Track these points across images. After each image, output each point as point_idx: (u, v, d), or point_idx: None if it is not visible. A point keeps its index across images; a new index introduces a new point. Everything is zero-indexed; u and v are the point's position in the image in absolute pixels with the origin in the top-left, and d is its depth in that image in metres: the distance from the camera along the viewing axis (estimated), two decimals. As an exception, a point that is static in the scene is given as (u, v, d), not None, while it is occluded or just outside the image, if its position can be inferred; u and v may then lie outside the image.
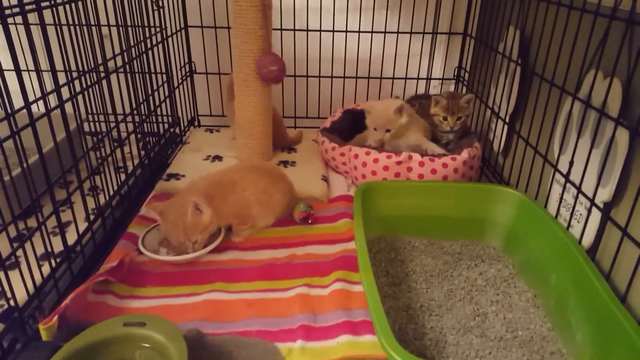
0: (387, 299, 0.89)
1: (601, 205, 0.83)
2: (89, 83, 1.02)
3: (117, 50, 1.17)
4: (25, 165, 0.79)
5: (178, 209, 0.98)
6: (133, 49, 1.27)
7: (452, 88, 1.67)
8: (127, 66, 1.23)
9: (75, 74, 0.97)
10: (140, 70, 1.30)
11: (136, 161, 1.33)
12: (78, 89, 0.97)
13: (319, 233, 1.12)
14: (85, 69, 1.01)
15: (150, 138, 1.45)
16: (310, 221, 1.15)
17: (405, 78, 1.64)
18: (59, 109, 0.89)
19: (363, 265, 0.79)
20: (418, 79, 1.64)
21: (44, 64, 0.88)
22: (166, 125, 1.57)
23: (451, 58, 1.63)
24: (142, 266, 1.00)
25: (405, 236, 1.07)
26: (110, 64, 1.12)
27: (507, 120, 1.22)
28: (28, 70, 0.93)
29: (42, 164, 0.84)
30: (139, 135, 1.41)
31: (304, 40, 1.56)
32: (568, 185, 0.91)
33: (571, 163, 0.92)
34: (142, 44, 1.33)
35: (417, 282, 0.94)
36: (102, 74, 1.09)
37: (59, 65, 0.87)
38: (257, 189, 1.08)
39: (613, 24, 0.79)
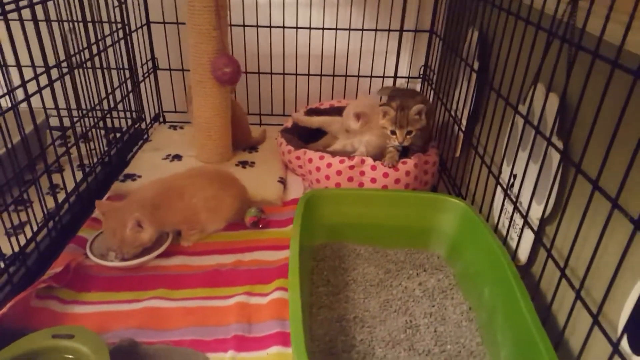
0: (323, 309, 0.90)
1: (537, 221, 0.84)
2: (53, 78, 1.04)
3: (84, 46, 1.18)
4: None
5: (119, 218, 0.98)
6: (95, 45, 1.27)
7: (418, 87, 1.66)
8: (90, 62, 1.23)
9: (41, 70, 0.99)
10: (103, 66, 1.30)
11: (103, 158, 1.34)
12: (43, 84, 1.00)
13: (268, 238, 1.13)
14: (50, 64, 1.03)
15: (114, 134, 1.45)
16: (261, 225, 1.16)
17: (371, 76, 1.63)
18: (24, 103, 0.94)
19: (291, 276, 0.80)
20: (384, 77, 1.63)
21: (10, 58, 0.91)
22: (129, 122, 1.57)
23: (417, 56, 1.62)
24: (89, 270, 1.01)
25: (351, 243, 1.08)
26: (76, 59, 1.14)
27: (463, 125, 1.22)
28: None
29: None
30: (102, 132, 1.42)
31: (267, 36, 1.54)
32: (511, 197, 0.92)
33: (512, 175, 0.93)
34: (105, 40, 1.32)
35: (355, 291, 0.95)
36: (65, 70, 1.10)
37: (24, 61, 0.91)
38: (205, 195, 1.09)
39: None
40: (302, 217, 0.97)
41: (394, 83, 1.65)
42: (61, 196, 1.14)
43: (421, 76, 1.63)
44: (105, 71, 1.36)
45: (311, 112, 1.53)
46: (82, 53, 1.22)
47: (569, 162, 0.73)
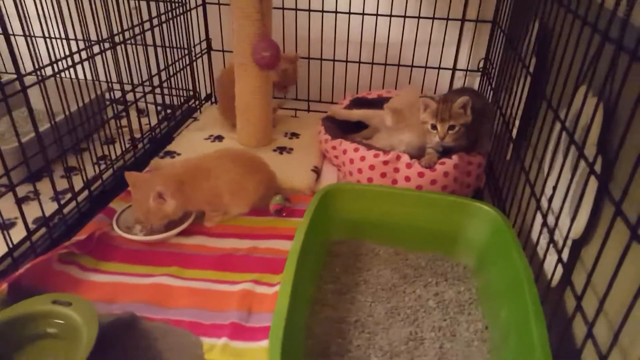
0: (326, 307, 0.86)
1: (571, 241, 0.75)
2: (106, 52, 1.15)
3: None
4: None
5: (145, 190, 1.01)
6: (155, 20, 1.32)
7: (477, 81, 1.55)
8: (144, 37, 1.29)
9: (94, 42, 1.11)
10: (161, 44, 1.35)
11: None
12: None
13: (289, 227, 1.10)
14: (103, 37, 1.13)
15: (165, 111, 1.50)
16: (284, 214, 1.14)
17: (426, 67, 1.54)
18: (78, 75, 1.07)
19: (287, 270, 0.77)
20: (439, 68, 1.54)
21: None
22: (182, 99, 1.61)
23: (477, 49, 1.51)
24: (113, 241, 1.05)
25: (370, 242, 1.03)
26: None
27: (514, 127, 1.11)
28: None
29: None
30: (158, 108, 1.48)
31: (318, 21, 1.50)
32: (551, 210, 0.82)
33: (554, 188, 0.83)
34: (163, 16, 1.37)
35: (364, 293, 0.90)
36: (117, 42, 1.18)
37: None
38: (229, 178, 1.08)
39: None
40: (315, 211, 0.93)
41: (451, 75, 1.55)
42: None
43: (480, 70, 1.52)
44: (161, 48, 1.41)
45: (357, 101, 1.48)
46: (141, 27, 1.28)
47: (600, 180, 0.63)
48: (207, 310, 0.87)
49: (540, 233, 0.82)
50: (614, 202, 0.55)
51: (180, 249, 1.04)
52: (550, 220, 0.81)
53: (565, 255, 0.74)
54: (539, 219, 0.84)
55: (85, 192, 1.12)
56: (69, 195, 1.07)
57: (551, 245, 0.77)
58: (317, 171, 1.31)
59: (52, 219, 1.01)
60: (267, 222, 1.13)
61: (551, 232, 0.76)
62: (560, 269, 0.74)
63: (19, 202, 0.90)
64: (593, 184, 0.66)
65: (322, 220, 0.97)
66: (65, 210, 1.06)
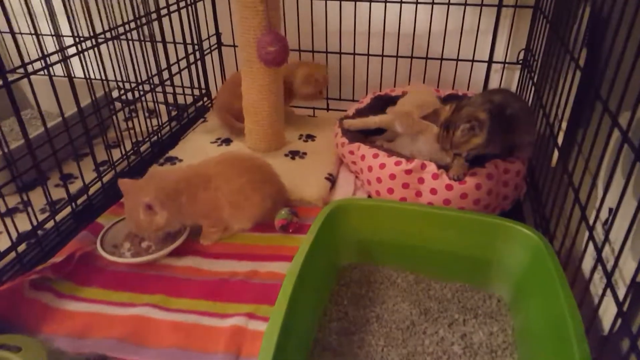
0: (326, 353, 0.72)
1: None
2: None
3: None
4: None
5: (136, 200, 0.90)
6: (161, 11, 1.24)
7: (516, 75, 1.36)
8: (151, 28, 1.22)
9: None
10: (156, 39, 1.26)
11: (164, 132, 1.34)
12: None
13: (296, 247, 0.94)
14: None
15: (175, 110, 1.40)
16: (291, 230, 1.01)
17: (457, 59, 1.36)
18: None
19: (278, 306, 0.63)
20: (473, 61, 1.36)
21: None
22: (192, 98, 1.50)
23: (517, 38, 1.32)
24: (96, 262, 0.94)
25: (386, 268, 0.88)
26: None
27: (560, 130, 0.93)
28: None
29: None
30: (169, 108, 1.38)
31: (336, 10, 1.35)
32: (608, 241, 0.65)
33: (610, 211, 0.66)
34: (170, 7, 1.27)
35: (375, 334, 0.75)
36: (118, 34, 1.11)
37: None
38: (231, 188, 0.95)
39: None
40: (320, 229, 0.79)
41: (487, 69, 1.37)
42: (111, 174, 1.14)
43: (520, 62, 1.33)
44: (168, 44, 1.31)
45: (379, 99, 1.32)
46: (147, 17, 1.20)
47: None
48: (189, 351, 0.75)
49: (594, 269, 0.65)
50: None
51: (170, 272, 0.92)
52: (607, 253, 0.64)
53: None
54: (591, 250, 0.67)
55: (68, 208, 1.01)
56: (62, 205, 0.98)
57: (602, 279, 0.60)
58: (332, 179, 1.16)
59: (29, 238, 0.91)
60: (271, 240, 0.99)
61: (607, 273, 0.59)
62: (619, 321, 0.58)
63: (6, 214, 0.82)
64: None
65: (329, 241, 0.83)
66: (48, 225, 0.96)
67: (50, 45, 1.20)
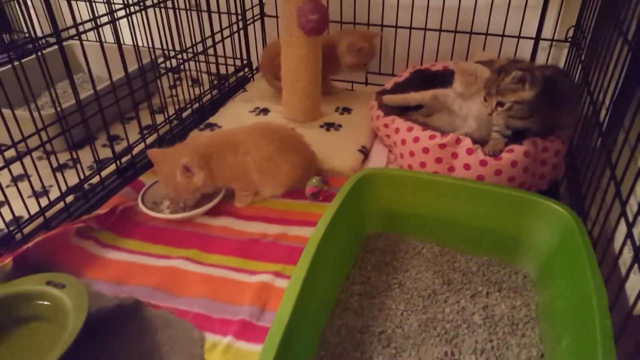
0: (347, 312, 0.74)
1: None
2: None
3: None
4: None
5: (170, 165, 0.94)
6: None
7: (564, 53, 1.31)
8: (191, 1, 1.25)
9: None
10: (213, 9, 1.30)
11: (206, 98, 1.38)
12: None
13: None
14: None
15: (218, 79, 1.44)
16: (321, 198, 1.03)
17: (503, 35, 1.32)
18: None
19: (300, 265, 0.65)
20: (519, 37, 1.31)
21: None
22: (234, 68, 1.53)
23: (567, 14, 1.26)
24: (137, 216, 0.99)
25: (412, 238, 0.88)
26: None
27: (605, 109, 0.90)
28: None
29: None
30: (212, 77, 1.42)
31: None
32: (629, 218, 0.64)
33: (645, 188, 0.64)
34: None
35: (396, 299, 0.77)
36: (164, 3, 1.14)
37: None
38: (260, 155, 0.98)
39: None
40: (346, 198, 0.80)
41: (534, 46, 1.32)
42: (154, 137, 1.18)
43: (569, 40, 1.27)
44: (214, 15, 1.34)
45: (418, 73, 1.30)
46: None
47: None
48: (217, 302, 0.79)
49: (624, 244, 0.64)
50: None
51: (205, 230, 0.96)
52: (638, 230, 0.62)
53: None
54: (623, 226, 0.65)
55: (113, 166, 1.07)
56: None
57: (636, 265, 0.58)
58: (365, 152, 1.17)
59: (76, 191, 0.97)
60: (301, 207, 1.02)
61: (636, 247, 0.58)
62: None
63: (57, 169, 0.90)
64: None
65: (356, 208, 0.85)
66: (94, 181, 1.02)
67: (101, 11, 1.24)
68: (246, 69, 1.59)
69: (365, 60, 1.33)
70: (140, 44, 1.10)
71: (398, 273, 0.82)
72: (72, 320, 0.64)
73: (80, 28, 0.93)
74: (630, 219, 0.62)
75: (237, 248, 0.91)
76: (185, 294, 0.81)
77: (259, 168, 0.98)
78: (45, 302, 0.69)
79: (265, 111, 1.35)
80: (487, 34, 1.33)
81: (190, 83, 1.38)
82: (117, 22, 1.01)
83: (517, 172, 0.96)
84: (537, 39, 1.31)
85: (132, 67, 1.07)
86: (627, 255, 0.66)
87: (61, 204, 0.94)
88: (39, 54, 0.85)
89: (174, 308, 0.78)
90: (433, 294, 0.78)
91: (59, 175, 0.93)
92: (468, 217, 0.85)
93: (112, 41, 1.02)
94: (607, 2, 1.00)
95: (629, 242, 0.62)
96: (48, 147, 0.90)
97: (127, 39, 1.09)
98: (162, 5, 1.15)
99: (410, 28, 1.38)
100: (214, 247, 0.91)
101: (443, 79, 1.24)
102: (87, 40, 0.94)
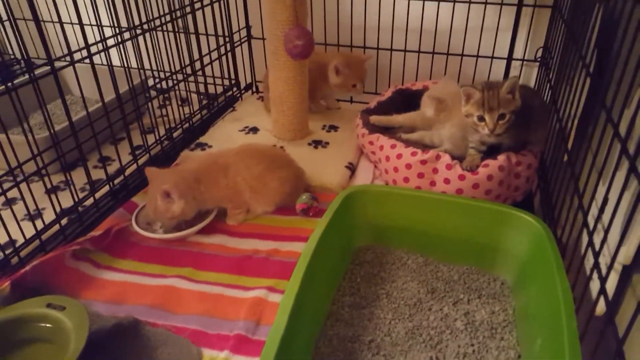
0: (339, 323, 0.79)
1: (620, 266, 0.63)
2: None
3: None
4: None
5: (157, 187, 0.97)
6: (188, 7, 1.31)
7: (534, 72, 1.39)
8: (185, 22, 1.30)
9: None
10: (189, 31, 1.34)
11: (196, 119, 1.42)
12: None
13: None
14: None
15: (199, 97, 1.48)
16: (311, 214, 1.07)
17: (477, 56, 1.40)
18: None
19: (293, 280, 0.70)
20: (493, 58, 1.39)
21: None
22: (223, 88, 1.57)
23: (536, 36, 1.34)
24: (131, 236, 1.02)
25: (398, 250, 0.93)
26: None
27: (573, 128, 0.96)
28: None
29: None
30: (200, 97, 1.46)
31: (362, 6, 1.41)
32: (598, 227, 0.69)
33: (605, 200, 0.70)
34: (202, 1, 1.35)
35: (384, 309, 0.81)
36: (153, 27, 1.18)
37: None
38: (250, 174, 1.03)
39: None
40: (336, 213, 0.85)
41: (507, 65, 1.40)
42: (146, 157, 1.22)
43: (538, 60, 1.35)
44: (201, 36, 1.38)
45: (400, 92, 1.37)
46: (181, 11, 1.28)
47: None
48: (214, 318, 0.82)
49: (586, 253, 0.70)
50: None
51: (199, 248, 1.00)
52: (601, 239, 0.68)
53: (613, 282, 0.62)
54: (586, 236, 0.71)
55: (107, 187, 1.10)
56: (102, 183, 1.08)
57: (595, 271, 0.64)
58: (352, 168, 1.22)
59: (70, 213, 1.00)
60: (292, 223, 1.06)
61: (595, 255, 0.64)
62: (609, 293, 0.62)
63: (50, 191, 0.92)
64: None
65: (345, 223, 0.89)
66: (86, 204, 1.05)
67: (89, 35, 1.26)
68: (234, 89, 1.64)
69: (351, 82, 1.37)
70: (129, 65, 1.13)
71: (385, 284, 0.87)
72: (74, 341, 0.67)
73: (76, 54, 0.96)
74: (591, 227, 0.68)
75: (231, 265, 0.94)
76: (182, 312, 0.84)
77: (250, 187, 1.03)
78: (47, 325, 0.71)
79: (254, 130, 1.39)
80: (462, 55, 1.41)
81: (179, 103, 1.42)
82: (108, 50, 1.05)
83: (493, 185, 1.02)
84: (509, 59, 1.39)
85: (122, 89, 1.10)
86: (592, 260, 0.72)
87: (56, 227, 0.97)
88: (35, 82, 0.88)
89: (171, 325, 0.81)
90: (418, 303, 0.83)
91: (53, 197, 0.96)
92: (449, 229, 0.90)
93: (101, 63, 1.05)
94: (570, 27, 1.08)
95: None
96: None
97: (116, 59, 1.12)
98: (152, 30, 1.20)
99: (391, 50, 1.45)
100: (208, 265, 0.95)
101: (422, 96, 1.31)
102: (81, 62, 0.98)
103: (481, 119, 0.98)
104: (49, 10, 0.97)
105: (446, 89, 1.12)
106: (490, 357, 0.73)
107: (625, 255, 0.62)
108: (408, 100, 1.35)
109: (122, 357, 0.74)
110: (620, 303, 0.66)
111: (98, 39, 1.02)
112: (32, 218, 0.92)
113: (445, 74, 1.44)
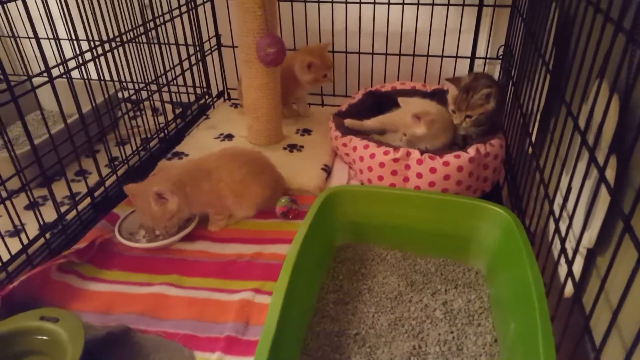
0: (325, 319, 0.82)
1: (585, 250, 0.68)
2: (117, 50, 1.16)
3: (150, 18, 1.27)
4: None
5: (145, 195, 0.99)
6: (160, 18, 1.31)
7: (497, 69, 1.46)
8: (156, 33, 1.29)
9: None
10: (160, 41, 1.34)
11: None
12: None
13: (296, 230, 1.06)
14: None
15: (173, 107, 1.49)
16: (291, 216, 1.10)
17: (442, 56, 1.46)
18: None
19: (281, 280, 0.73)
20: (457, 57, 1.45)
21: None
22: (195, 97, 1.59)
23: (497, 35, 1.41)
24: (115, 247, 1.03)
25: (377, 247, 0.98)
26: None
27: (536, 122, 1.03)
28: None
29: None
30: (174, 106, 1.47)
31: (329, 11, 1.44)
32: (563, 215, 0.75)
33: (568, 189, 0.76)
34: (171, 13, 1.36)
35: (367, 303, 0.85)
36: (126, 40, 1.18)
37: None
38: (232, 179, 1.05)
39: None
40: (317, 214, 0.89)
41: (470, 64, 1.47)
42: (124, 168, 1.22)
43: (500, 57, 1.42)
44: (172, 47, 1.40)
45: (370, 94, 1.42)
46: (151, 23, 1.28)
47: (609, 189, 0.56)
48: (203, 322, 0.85)
49: (553, 239, 0.75)
50: (622, 215, 0.48)
51: (183, 255, 1.01)
52: (566, 226, 0.74)
53: (579, 265, 0.67)
54: (552, 223, 0.77)
55: (88, 199, 1.10)
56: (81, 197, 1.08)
57: (562, 255, 0.70)
58: (328, 170, 1.26)
59: (54, 227, 1.01)
60: (273, 226, 1.09)
61: (562, 240, 0.69)
62: (576, 276, 0.68)
63: (30, 206, 0.93)
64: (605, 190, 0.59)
65: (325, 223, 0.93)
66: (69, 217, 1.05)
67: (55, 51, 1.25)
68: (207, 97, 1.66)
69: (322, 72, 1.38)
70: (104, 77, 1.14)
71: (367, 279, 0.91)
72: (70, 352, 0.68)
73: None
74: (557, 215, 0.73)
75: (216, 270, 0.97)
76: (171, 317, 0.86)
77: (232, 192, 1.05)
78: (42, 337, 0.72)
79: (229, 137, 1.41)
80: (428, 55, 1.46)
81: (152, 113, 1.43)
82: (86, 65, 1.06)
83: (463, 176, 1.07)
84: (473, 57, 1.45)
85: (94, 101, 1.10)
86: (559, 246, 0.78)
87: (41, 240, 0.97)
88: (16, 100, 0.88)
89: (162, 331, 0.82)
90: (399, 295, 0.87)
91: (34, 212, 0.96)
92: (424, 224, 0.95)
93: (79, 77, 1.06)
94: (529, 25, 1.14)
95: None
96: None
97: (90, 73, 1.12)
98: (129, 43, 1.20)
99: (359, 53, 1.49)
100: (194, 271, 0.97)
101: (391, 98, 1.36)
102: (60, 78, 0.98)
103: (453, 111, 1.12)
104: (24, 25, 0.97)
105: (420, 105, 1.18)
106: (469, 342, 0.78)
107: (589, 239, 0.68)
108: (378, 101, 1.40)
109: (115, 365, 0.76)
110: (586, 284, 0.71)
111: (72, 54, 1.03)
112: (17, 232, 0.92)
113: (412, 74, 1.49)
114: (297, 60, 1.37)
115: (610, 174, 0.61)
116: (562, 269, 0.72)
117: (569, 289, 0.69)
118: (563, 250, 0.68)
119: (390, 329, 0.80)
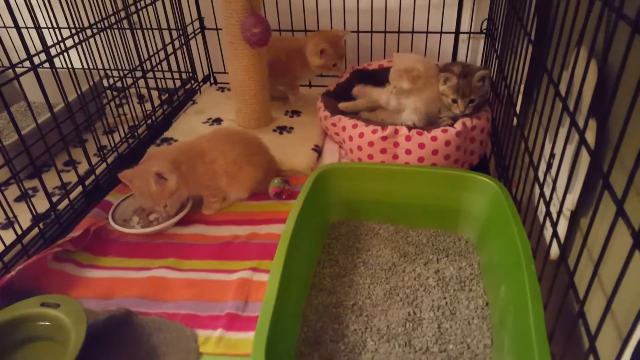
0: (322, 292, 0.84)
1: (569, 213, 0.71)
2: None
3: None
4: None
5: (144, 177, 0.99)
6: (141, 2, 1.30)
7: (481, 44, 1.47)
8: (138, 18, 1.28)
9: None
10: (154, 26, 1.33)
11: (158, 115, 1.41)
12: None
13: (289, 210, 1.08)
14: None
15: (157, 93, 1.49)
16: (284, 197, 1.12)
17: (427, 32, 1.47)
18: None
19: (277, 257, 0.75)
20: (442, 33, 1.46)
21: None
22: (180, 82, 1.58)
23: (480, 9, 1.42)
24: (110, 234, 1.04)
25: (370, 222, 1.00)
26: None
27: (518, 90, 1.05)
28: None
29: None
30: (160, 93, 1.47)
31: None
32: (548, 180, 0.77)
33: (551, 155, 0.78)
34: None
35: (362, 275, 0.88)
36: (107, 25, 1.18)
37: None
38: (226, 160, 1.06)
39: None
40: (310, 192, 0.90)
41: (455, 39, 1.47)
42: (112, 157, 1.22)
43: (484, 31, 1.43)
44: (155, 32, 1.38)
45: (357, 73, 1.42)
46: (132, 8, 1.26)
47: (589, 150, 0.58)
48: (203, 302, 0.86)
49: (538, 203, 0.78)
50: (601, 174, 0.50)
51: (179, 239, 1.03)
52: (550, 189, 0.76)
53: (564, 226, 0.70)
54: (537, 189, 0.79)
55: (79, 188, 1.11)
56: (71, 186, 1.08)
57: (548, 218, 0.72)
58: (319, 150, 1.27)
59: (46, 217, 1.01)
60: (267, 207, 1.11)
61: (547, 204, 0.71)
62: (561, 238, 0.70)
63: (21, 197, 0.92)
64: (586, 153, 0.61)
65: (318, 201, 0.94)
66: (60, 207, 1.05)
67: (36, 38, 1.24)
68: (192, 81, 1.65)
69: (332, 61, 1.36)
70: (85, 66, 1.13)
71: (361, 253, 0.93)
72: (74, 335, 0.69)
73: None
74: (542, 180, 0.75)
75: (213, 251, 0.98)
76: (171, 299, 0.87)
77: (226, 173, 1.06)
78: (45, 323, 0.73)
79: (218, 121, 1.42)
80: (413, 32, 1.47)
81: (138, 100, 1.42)
82: (67, 51, 1.05)
83: (451, 150, 1.09)
84: (457, 32, 1.46)
85: (75, 92, 1.10)
86: (544, 210, 0.81)
87: (35, 230, 0.98)
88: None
89: (163, 312, 0.84)
90: (393, 267, 0.89)
91: (25, 202, 0.96)
92: (415, 197, 0.97)
93: (62, 66, 1.05)
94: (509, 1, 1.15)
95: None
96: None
97: (73, 60, 1.12)
98: (109, 29, 1.20)
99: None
100: (191, 254, 0.98)
101: (379, 75, 1.37)
102: (41, 66, 0.97)
103: (455, 101, 1.13)
104: (0, 16, 0.96)
105: (405, 63, 1.18)
106: (461, 307, 0.81)
107: (572, 201, 0.70)
108: (366, 80, 1.41)
109: (119, 346, 0.77)
110: (570, 246, 0.74)
111: (52, 41, 1.02)
112: (10, 224, 0.92)
113: (398, 51, 1.50)
114: (311, 43, 1.35)
115: (590, 136, 0.63)
116: (548, 233, 0.75)
117: (554, 251, 0.72)
118: (548, 213, 0.70)
119: (386, 298, 0.83)
